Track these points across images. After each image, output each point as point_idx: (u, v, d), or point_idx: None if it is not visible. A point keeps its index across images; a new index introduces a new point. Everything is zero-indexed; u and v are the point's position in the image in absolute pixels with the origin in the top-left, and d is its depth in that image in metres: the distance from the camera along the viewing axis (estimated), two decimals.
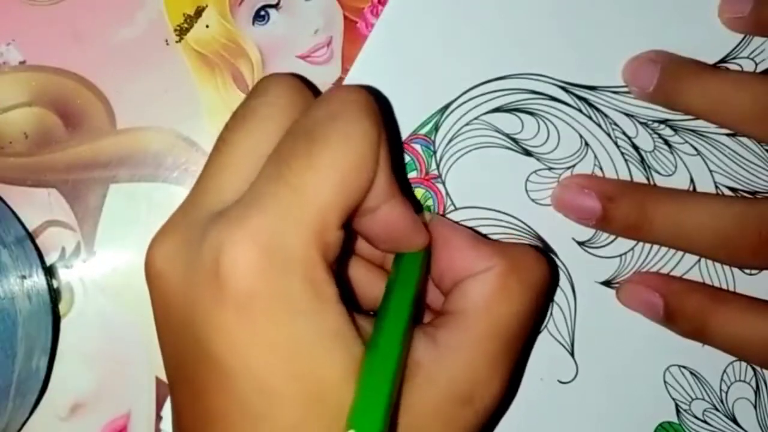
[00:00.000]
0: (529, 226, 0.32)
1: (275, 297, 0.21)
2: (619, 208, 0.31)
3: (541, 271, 0.27)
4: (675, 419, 0.33)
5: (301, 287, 0.22)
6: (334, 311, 0.22)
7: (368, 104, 0.24)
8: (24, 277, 0.28)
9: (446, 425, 0.24)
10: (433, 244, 0.28)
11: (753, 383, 0.33)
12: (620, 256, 0.32)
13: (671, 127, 0.32)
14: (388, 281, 0.26)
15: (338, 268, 0.25)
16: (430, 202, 0.32)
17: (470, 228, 0.30)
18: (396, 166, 0.25)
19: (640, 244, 0.32)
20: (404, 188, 0.31)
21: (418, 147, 0.31)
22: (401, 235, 0.26)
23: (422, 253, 0.27)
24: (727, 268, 0.32)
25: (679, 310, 0.31)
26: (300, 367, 0.22)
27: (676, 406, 0.33)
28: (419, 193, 0.32)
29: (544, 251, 0.32)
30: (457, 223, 0.31)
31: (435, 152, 0.31)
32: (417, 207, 0.31)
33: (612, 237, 0.32)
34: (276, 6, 0.31)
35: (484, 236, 0.31)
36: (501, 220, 0.32)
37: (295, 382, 0.22)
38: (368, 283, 0.29)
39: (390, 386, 0.22)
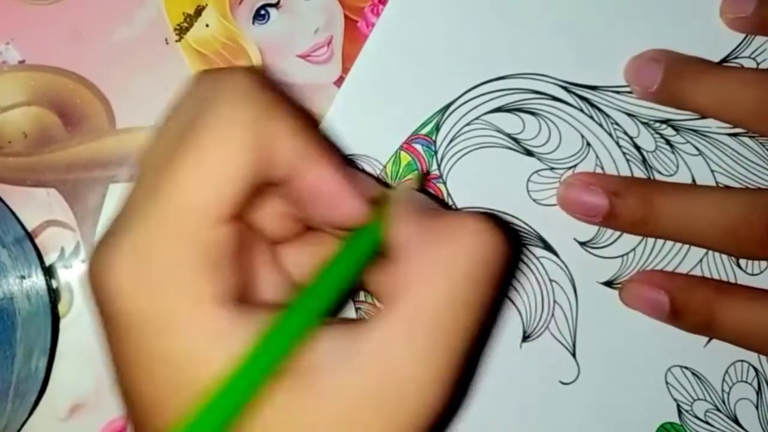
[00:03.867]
0: (530, 227, 0.32)
1: (148, 316, 0.21)
2: (626, 203, 0.30)
3: (482, 244, 0.22)
4: (677, 420, 0.32)
5: (175, 297, 0.21)
6: (211, 313, 0.21)
7: (237, 84, 0.22)
8: (23, 277, 0.28)
9: None
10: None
11: (755, 384, 0.33)
12: (622, 256, 0.32)
13: (673, 126, 0.32)
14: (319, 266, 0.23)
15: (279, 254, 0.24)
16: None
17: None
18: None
19: (642, 244, 0.32)
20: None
21: (419, 147, 0.31)
22: (324, 204, 0.24)
23: (366, 235, 0.24)
24: (729, 267, 0.32)
25: (686, 304, 0.31)
26: (177, 381, 0.21)
27: (678, 406, 0.32)
28: None
29: (498, 218, 0.28)
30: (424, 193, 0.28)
31: (436, 152, 0.31)
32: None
33: (614, 237, 0.32)
34: (276, 5, 0.31)
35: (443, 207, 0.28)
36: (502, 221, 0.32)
37: (175, 396, 0.21)
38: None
39: (242, 398, 0.20)
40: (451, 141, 0.31)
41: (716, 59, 0.32)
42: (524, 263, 0.32)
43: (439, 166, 0.31)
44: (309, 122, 0.23)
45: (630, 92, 0.32)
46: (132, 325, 0.21)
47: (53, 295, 0.30)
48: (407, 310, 0.21)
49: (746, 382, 0.33)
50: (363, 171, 0.27)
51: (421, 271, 0.21)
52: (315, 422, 0.20)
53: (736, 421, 0.33)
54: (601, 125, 0.32)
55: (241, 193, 0.22)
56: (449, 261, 0.22)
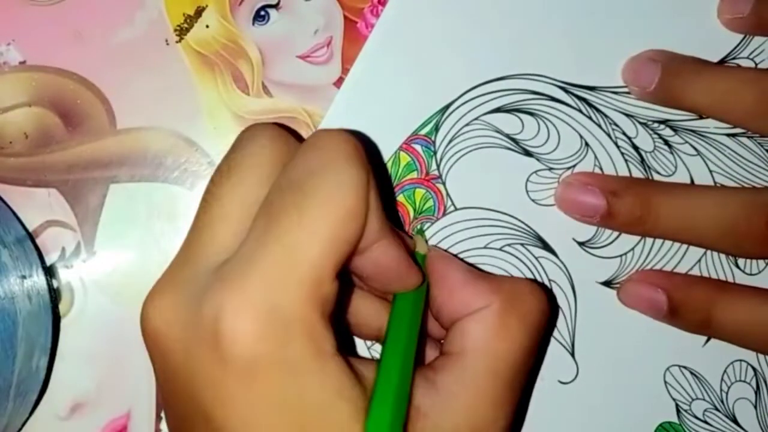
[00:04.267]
0: (529, 227, 0.32)
1: (276, 361, 0.21)
2: (624, 202, 0.31)
3: (539, 305, 0.26)
4: (675, 419, 0.33)
5: (301, 347, 0.22)
6: (335, 367, 0.22)
7: (355, 150, 0.23)
8: (24, 277, 0.28)
9: None
10: (429, 279, 0.27)
11: (753, 383, 0.33)
12: (620, 256, 0.32)
13: (671, 127, 0.32)
14: (388, 323, 0.26)
15: (338, 302, 0.25)
16: (430, 203, 0.32)
17: (466, 262, 0.30)
18: (385, 199, 0.25)
19: (641, 244, 0.32)
20: (391, 215, 0.31)
21: (418, 147, 0.31)
22: (393, 276, 0.26)
23: (416, 293, 0.27)
24: (727, 268, 0.32)
25: (684, 303, 0.31)
26: (304, 426, 0.22)
27: (677, 406, 0.33)
28: (420, 193, 0.32)
29: (541, 284, 0.32)
30: (453, 255, 0.31)
31: (435, 152, 0.31)
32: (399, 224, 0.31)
33: (612, 237, 0.32)
34: (276, 6, 0.31)
35: (479, 269, 0.31)
36: (501, 221, 0.32)
37: None
38: (366, 313, 0.29)
39: None
40: (451, 141, 0.32)
41: (715, 60, 0.32)
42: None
43: (438, 166, 0.32)
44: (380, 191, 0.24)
45: (628, 92, 0.32)
46: (257, 369, 0.21)
47: (54, 294, 0.30)
48: (492, 361, 0.25)
49: (745, 381, 0.33)
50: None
51: (500, 330, 0.25)
52: None
53: (735, 421, 0.33)
54: (599, 126, 0.32)
55: (349, 253, 0.23)
56: (523, 321, 0.26)
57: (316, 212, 0.22)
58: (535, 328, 0.26)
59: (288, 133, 0.26)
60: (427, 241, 0.31)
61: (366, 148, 0.24)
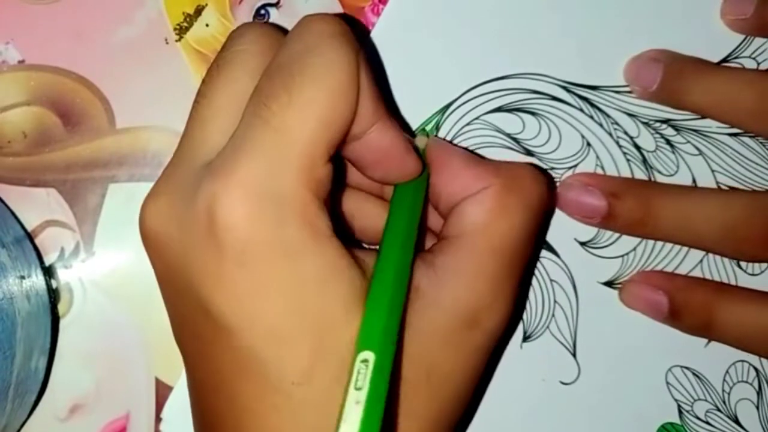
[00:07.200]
0: None
1: (272, 242, 0.21)
2: (624, 204, 0.30)
3: (539, 189, 0.26)
4: (677, 420, 0.32)
5: (296, 228, 0.22)
6: (331, 246, 0.22)
7: (342, 31, 0.23)
8: (23, 277, 0.28)
9: (454, 349, 0.24)
10: (429, 168, 0.27)
11: (755, 384, 0.33)
12: (622, 256, 0.32)
13: (673, 126, 0.32)
14: (388, 212, 0.26)
15: (334, 201, 0.25)
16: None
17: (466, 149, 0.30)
18: (382, 90, 0.25)
19: (642, 244, 0.32)
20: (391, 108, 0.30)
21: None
22: (392, 161, 0.25)
23: (417, 181, 0.26)
24: (729, 268, 0.32)
25: (685, 305, 0.31)
26: (303, 306, 0.22)
27: (679, 407, 0.32)
28: None
29: (542, 169, 0.31)
30: (452, 143, 0.30)
31: None
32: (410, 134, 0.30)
33: (614, 237, 0.32)
34: (276, 5, 0.31)
35: (480, 156, 0.30)
36: None
37: (301, 321, 0.22)
38: (369, 215, 0.29)
39: (394, 313, 0.22)
40: (451, 141, 0.31)
41: (717, 59, 0.32)
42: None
43: None
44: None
45: (630, 92, 0.32)
46: (253, 252, 0.21)
47: (53, 295, 0.30)
48: (490, 240, 0.25)
49: (747, 382, 0.33)
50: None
51: (499, 210, 0.25)
52: (415, 332, 0.24)
53: (737, 422, 0.33)
54: (601, 125, 0.32)
55: (342, 135, 0.23)
56: (522, 202, 0.26)
57: (306, 92, 0.22)
58: (533, 210, 0.26)
59: (278, 29, 0.26)
60: (428, 135, 0.30)
61: (359, 36, 0.24)
